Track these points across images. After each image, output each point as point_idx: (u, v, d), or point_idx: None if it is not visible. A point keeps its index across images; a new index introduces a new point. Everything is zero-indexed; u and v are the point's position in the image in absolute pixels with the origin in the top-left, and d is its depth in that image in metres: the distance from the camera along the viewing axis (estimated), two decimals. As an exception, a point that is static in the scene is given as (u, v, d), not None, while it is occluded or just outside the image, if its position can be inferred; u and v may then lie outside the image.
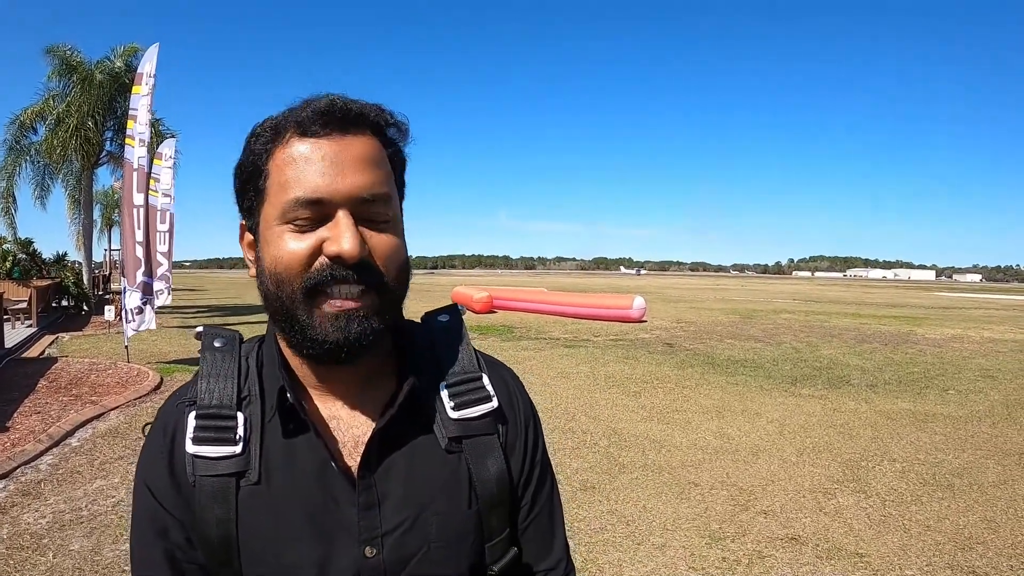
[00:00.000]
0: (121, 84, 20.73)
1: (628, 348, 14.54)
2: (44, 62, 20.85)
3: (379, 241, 0.81)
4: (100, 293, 28.19)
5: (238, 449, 0.83)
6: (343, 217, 0.78)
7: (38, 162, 22.74)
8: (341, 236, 0.76)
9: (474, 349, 0.98)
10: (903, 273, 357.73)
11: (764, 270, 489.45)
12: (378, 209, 0.81)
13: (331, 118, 0.80)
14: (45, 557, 4.22)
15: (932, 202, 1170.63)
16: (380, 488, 0.84)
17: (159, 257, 12.66)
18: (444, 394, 0.91)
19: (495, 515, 0.91)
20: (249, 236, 0.89)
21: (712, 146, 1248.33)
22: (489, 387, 0.93)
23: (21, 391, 8.88)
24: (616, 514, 5.02)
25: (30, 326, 16.69)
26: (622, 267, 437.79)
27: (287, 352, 0.88)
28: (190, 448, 0.83)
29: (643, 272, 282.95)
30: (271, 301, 0.83)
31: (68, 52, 20.76)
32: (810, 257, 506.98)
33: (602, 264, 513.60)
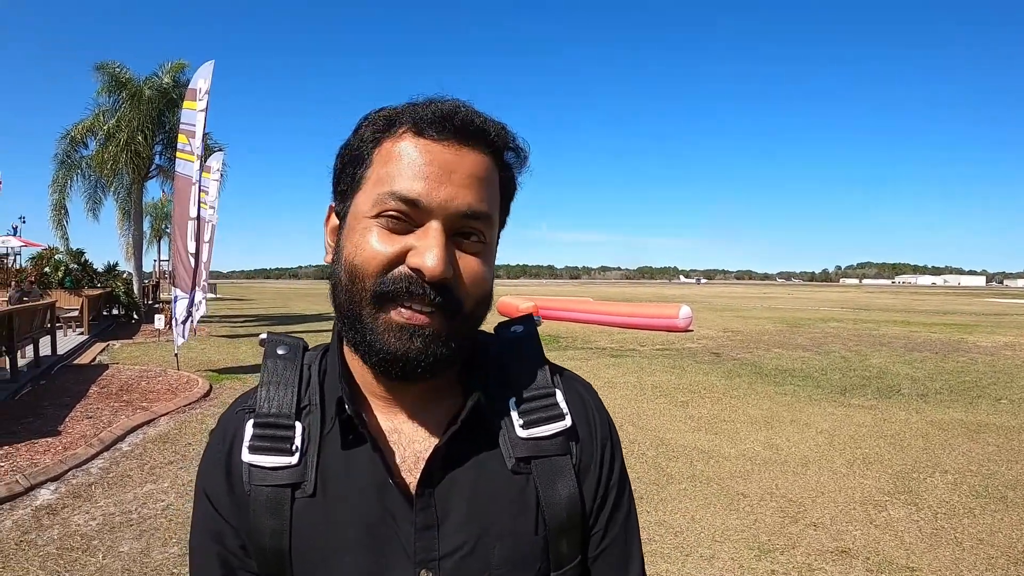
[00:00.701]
0: (169, 99, 21.31)
1: (675, 357, 14.42)
2: (94, 78, 21.48)
3: (468, 263, 0.77)
4: (149, 302, 28.77)
5: (294, 460, 0.81)
6: (435, 229, 0.74)
7: (89, 176, 23.34)
8: (427, 250, 0.73)
9: (548, 362, 0.91)
10: (952, 279, 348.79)
11: (811, 277, 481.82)
12: (475, 228, 0.78)
13: (450, 125, 0.77)
14: (95, 558, 4.31)
15: (982, 206, 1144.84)
16: (440, 508, 0.80)
17: (202, 268, 12.94)
18: (513, 411, 0.85)
19: (565, 541, 0.84)
20: (335, 221, 0.86)
21: (756, 152, 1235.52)
22: (563, 404, 0.87)
23: (73, 397, 9.12)
24: (664, 525, 4.97)
25: (82, 334, 17.14)
26: (681, 276, 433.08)
27: (351, 361, 0.85)
28: (246, 457, 0.81)
29: (703, 281, 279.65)
30: (340, 293, 0.79)
31: (117, 69, 21.37)
32: (858, 264, 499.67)
33: (647, 273, 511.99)
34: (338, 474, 0.81)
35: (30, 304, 12.44)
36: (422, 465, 0.80)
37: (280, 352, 0.88)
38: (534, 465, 0.84)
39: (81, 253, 23.37)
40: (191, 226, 11.76)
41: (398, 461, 0.82)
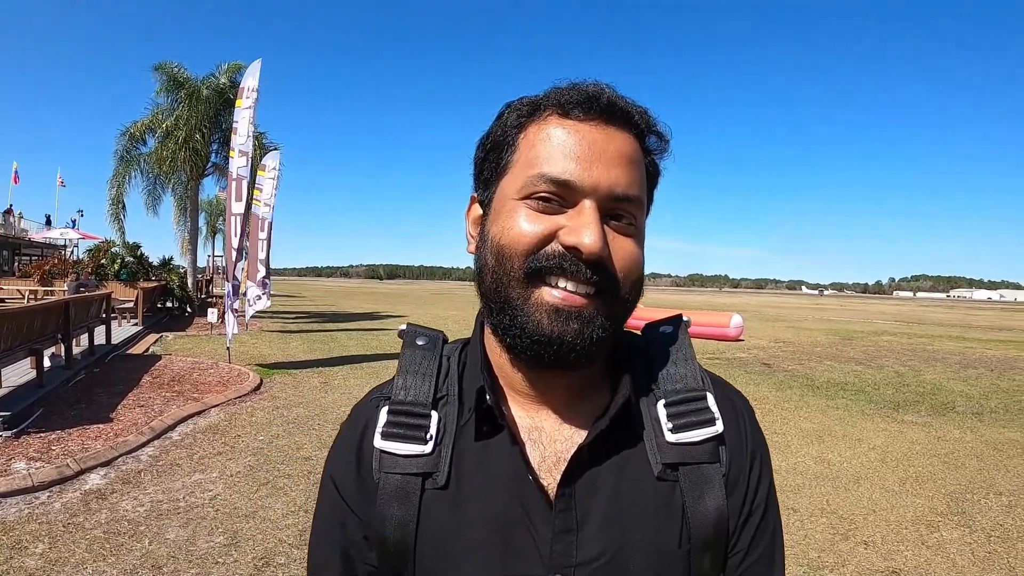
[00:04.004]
0: (226, 99, 21.73)
1: (725, 367, 14.20)
2: (152, 78, 22.02)
3: (622, 245, 0.74)
4: (203, 296, 29.33)
5: (427, 448, 0.78)
6: (589, 208, 0.71)
7: (147, 172, 23.84)
8: (583, 227, 0.70)
9: (700, 365, 0.86)
10: (1009, 294, 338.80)
11: (864, 289, 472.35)
12: (627, 211, 0.75)
13: (596, 105, 0.74)
14: (141, 543, 4.36)
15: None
16: (580, 511, 0.75)
17: (258, 264, 13.14)
18: (662, 413, 0.80)
19: (708, 557, 0.78)
20: (477, 211, 0.84)
21: (812, 163, 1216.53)
22: (715, 408, 0.81)
23: (125, 385, 9.33)
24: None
25: (135, 325, 17.56)
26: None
27: (493, 356, 0.83)
28: (378, 443, 0.79)
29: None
30: (487, 276, 0.77)
31: (176, 69, 21.93)
32: (912, 276, 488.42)
33: (697, 281, 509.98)
34: (473, 468, 0.78)
35: (86, 294, 12.74)
36: (563, 465, 0.76)
37: (420, 343, 0.86)
38: (681, 472, 0.78)
39: (137, 247, 23.88)
40: (234, 221, 12.03)
41: (538, 459, 0.78)
